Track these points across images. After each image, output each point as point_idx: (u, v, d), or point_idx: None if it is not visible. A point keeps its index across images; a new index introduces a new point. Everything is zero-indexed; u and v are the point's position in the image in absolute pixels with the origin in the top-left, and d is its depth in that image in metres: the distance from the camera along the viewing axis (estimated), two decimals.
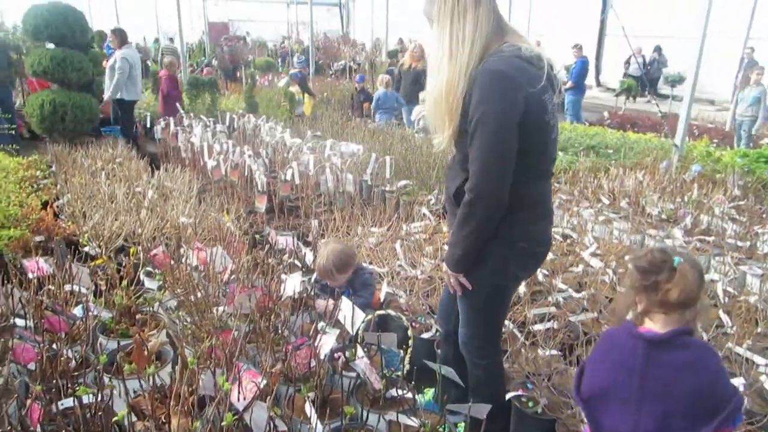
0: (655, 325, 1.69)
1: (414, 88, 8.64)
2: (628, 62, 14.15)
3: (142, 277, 2.98)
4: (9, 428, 1.66)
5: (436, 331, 3.01)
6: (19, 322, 2.36)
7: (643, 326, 1.71)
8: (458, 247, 2.02)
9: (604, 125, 10.01)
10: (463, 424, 2.22)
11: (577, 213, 4.78)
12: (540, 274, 3.57)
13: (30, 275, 2.64)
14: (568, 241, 4.34)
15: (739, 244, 4.22)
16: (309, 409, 1.87)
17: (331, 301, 2.51)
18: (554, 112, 1.98)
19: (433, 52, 1.98)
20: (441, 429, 2.02)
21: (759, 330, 3.06)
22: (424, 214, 4.61)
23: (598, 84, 16.92)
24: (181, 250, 3.10)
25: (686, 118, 6.14)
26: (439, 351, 2.66)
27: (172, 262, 2.82)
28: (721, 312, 3.23)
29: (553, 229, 2.41)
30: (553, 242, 3.48)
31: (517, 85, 1.82)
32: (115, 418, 1.80)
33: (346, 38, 19.71)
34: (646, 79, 12.95)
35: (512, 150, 1.84)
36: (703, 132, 9.34)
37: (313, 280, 3.06)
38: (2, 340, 2.01)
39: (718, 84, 13.11)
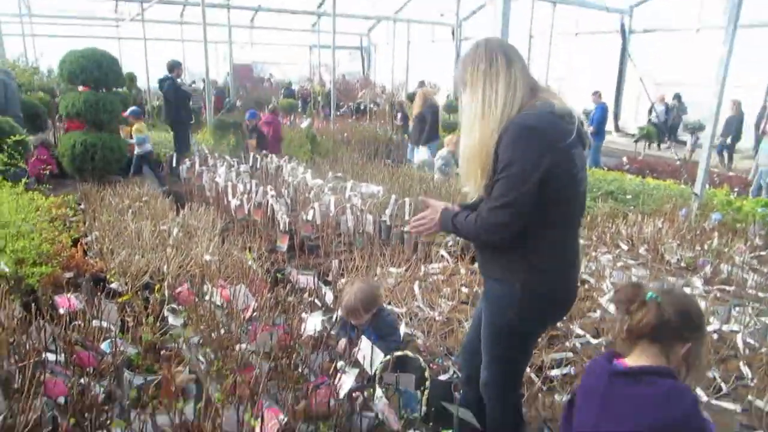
0: (632, 360, 1.68)
1: (417, 130, 9.20)
2: (652, 109, 14.24)
3: (166, 313, 3.05)
4: None
5: (454, 373, 3.02)
6: (50, 356, 2.44)
7: (621, 359, 1.70)
8: (457, 231, 2.14)
9: (622, 170, 10.02)
10: None
11: (595, 258, 4.78)
12: None
13: (61, 311, 2.74)
14: (586, 286, 4.34)
15: (761, 294, 4.18)
16: None
17: (351, 341, 2.56)
18: (583, 166, 2.04)
19: (465, 114, 2.06)
20: None
21: None
22: (442, 256, 4.66)
23: (617, 129, 17.00)
24: (205, 288, 3.18)
25: (706, 167, 6.16)
26: (456, 393, 2.67)
27: (196, 300, 2.91)
28: (741, 364, 3.19)
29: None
30: None
31: (544, 140, 1.89)
32: None
33: (366, 81, 20.20)
34: (666, 126, 13.04)
35: (530, 197, 1.90)
36: (724, 180, 9.28)
37: (335, 318, 3.11)
38: (36, 374, 2.08)
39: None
